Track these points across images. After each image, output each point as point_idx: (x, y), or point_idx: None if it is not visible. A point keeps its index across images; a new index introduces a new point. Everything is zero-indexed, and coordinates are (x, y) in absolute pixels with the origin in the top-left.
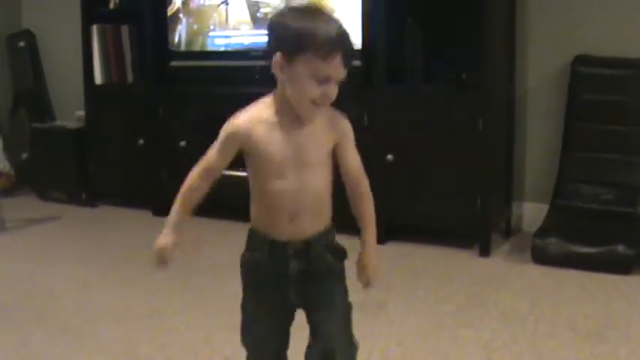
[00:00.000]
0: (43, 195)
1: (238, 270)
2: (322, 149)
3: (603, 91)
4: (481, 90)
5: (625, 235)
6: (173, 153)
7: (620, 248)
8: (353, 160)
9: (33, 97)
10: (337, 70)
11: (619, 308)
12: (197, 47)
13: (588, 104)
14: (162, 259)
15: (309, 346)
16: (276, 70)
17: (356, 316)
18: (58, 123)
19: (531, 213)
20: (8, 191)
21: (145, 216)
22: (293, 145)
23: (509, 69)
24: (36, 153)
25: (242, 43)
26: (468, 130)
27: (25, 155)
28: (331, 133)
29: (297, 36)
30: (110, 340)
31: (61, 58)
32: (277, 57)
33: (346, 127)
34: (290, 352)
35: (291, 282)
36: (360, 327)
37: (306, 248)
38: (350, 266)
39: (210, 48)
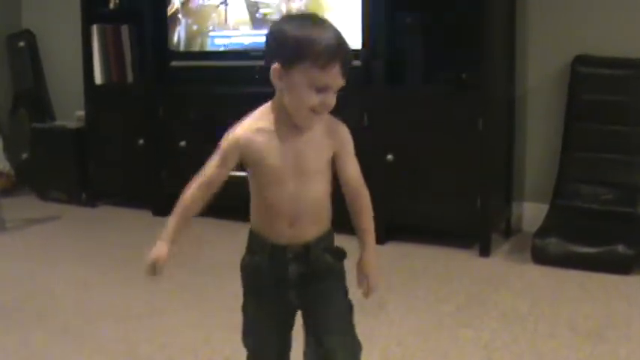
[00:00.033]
0: (43, 195)
1: (238, 270)
2: (321, 158)
3: (603, 91)
4: (481, 90)
5: (625, 235)
6: (173, 153)
7: (620, 248)
8: (353, 171)
9: (33, 97)
10: (335, 79)
11: (619, 308)
12: (197, 47)
13: (588, 104)
14: (155, 271)
15: (306, 348)
16: (274, 78)
17: (356, 316)
18: (58, 123)
19: (531, 213)
20: (8, 191)
21: (145, 216)
22: (292, 153)
23: (509, 69)
24: (36, 153)
25: (242, 43)
26: (468, 130)
27: (25, 155)
28: (330, 142)
29: (296, 45)
30: (110, 340)
31: (61, 58)
32: (275, 66)
33: (345, 136)
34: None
35: (291, 285)
36: (360, 327)
37: (306, 252)
38: (350, 269)
39: (210, 48)
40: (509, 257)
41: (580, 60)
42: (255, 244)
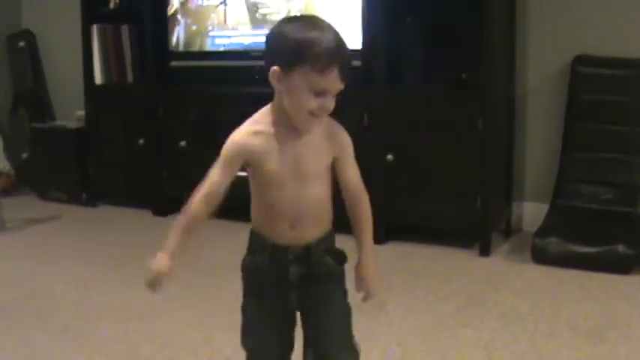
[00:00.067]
0: (43, 195)
1: (239, 270)
2: (321, 161)
3: (603, 91)
4: (481, 90)
5: (625, 234)
6: (173, 153)
7: (620, 248)
8: (352, 175)
9: (33, 97)
10: (334, 83)
11: (619, 308)
12: (196, 47)
13: (588, 104)
14: (155, 284)
15: (305, 348)
16: (273, 81)
17: (356, 316)
18: (58, 123)
19: (531, 213)
20: (8, 191)
21: (145, 216)
22: (291, 156)
23: (509, 69)
24: (36, 153)
25: (242, 43)
26: (468, 130)
27: (25, 155)
28: (330, 146)
29: (294, 48)
30: (110, 340)
31: (61, 58)
32: (275, 68)
33: (345, 140)
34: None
35: (292, 286)
36: (360, 327)
37: (307, 253)
38: (349, 271)
39: (210, 48)
40: (509, 257)
41: (580, 60)
42: (257, 244)
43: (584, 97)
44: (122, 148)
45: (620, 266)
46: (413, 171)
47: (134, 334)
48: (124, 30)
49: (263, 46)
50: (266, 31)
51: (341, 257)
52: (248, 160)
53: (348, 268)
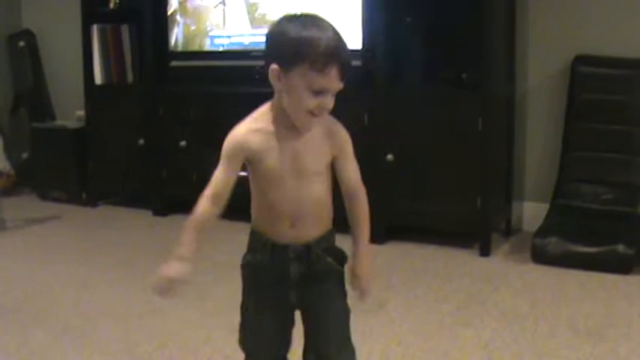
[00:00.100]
0: (43, 195)
1: (238, 269)
2: (321, 160)
3: (603, 91)
4: (481, 90)
5: (625, 234)
6: (173, 153)
7: (620, 248)
8: (351, 173)
9: (33, 97)
10: (333, 82)
11: (619, 308)
12: (196, 47)
13: (588, 104)
14: (168, 291)
15: (305, 347)
16: (272, 79)
17: (356, 316)
18: (58, 123)
19: (531, 213)
20: (8, 191)
21: (145, 216)
22: (290, 154)
23: (509, 69)
24: (36, 153)
25: (242, 43)
26: (468, 130)
27: (25, 155)
28: (329, 144)
29: (293, 47)
30: (110, 340)
31: (61, 58)
32: (274, 66)
33: (345, 138)
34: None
35: (292, 285)
36: (360, 326)
37: (307, 252)
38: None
39: (209, 48)
40: (509, 257)
41: (580, 60)
42: (257, 242)
43: (584, 96)
44: (122, 148)
45: (620, 266)
46: (413, 171)
47: (134, 334)
48: (124, 30)
49: (262, 46)
50: (265, 31)
51: (341, 257)
52: (248, 158)
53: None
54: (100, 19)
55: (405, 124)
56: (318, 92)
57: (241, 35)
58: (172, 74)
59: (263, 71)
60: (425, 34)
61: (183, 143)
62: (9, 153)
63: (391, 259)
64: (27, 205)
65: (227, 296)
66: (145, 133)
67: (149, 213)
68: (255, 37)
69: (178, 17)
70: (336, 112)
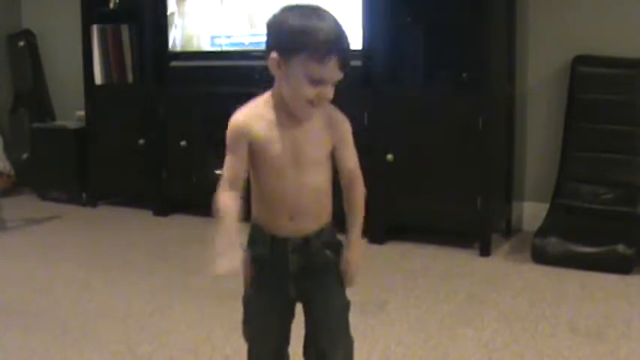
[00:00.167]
0: (43, 195)
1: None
2: (320, 148)
3: (603, 91)
4: (481, 90)
5: (625, 234)
6: (173, 153)
7: (620, 248)
8: (350, 160)
9: (33, 97)
10: (332, 72)
11: (619, 308)
12: (196, 47)
13: (588, 104)
14: (240, 273)
15: (305, 340)
16: (272, 67)
17: (356, 316)
18: (59, 123)
19: (531, 212)
20: (8, 191)
21: (145, 216)
22: (291, 143)
23: (509, 69)
24: (36, 153)
25: (242, 43)
26: (468, 130)
27: (25, 155)
28: (330, 133)
29: (293, 37)
30: (110, 340)
31: (61, 58)
32: (274, 55)
33: (345, 127)
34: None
35: (291, 277)
36: (361, 327)
37: (306, 245)
38: None
39: (209, 48)
40: (509, 257)
41: (580, 60)
42: (257, 235)
43: (584, 96)
44: (122, 148)
45: (620, 266)
46: (413, 171)
47: (134, 334)
48: (124, 30)
49: (262, 46)
50: (265, 31)
51: (340, 250)
52: (251, 144)
53: None
54: (100, 19)
55: (405, 124)
56: (318, 82)
57: (241, 35)
58: (172, 74)
59: (263, 70)
60: (425, 34)
61: (183, 143)
62: (9, 153)
63: (391, 259)
64: (27, 205)
65: (227, 296)
66: (145, 133)
67: (149, 213)
68: (255, 38)
69: (179, 17)
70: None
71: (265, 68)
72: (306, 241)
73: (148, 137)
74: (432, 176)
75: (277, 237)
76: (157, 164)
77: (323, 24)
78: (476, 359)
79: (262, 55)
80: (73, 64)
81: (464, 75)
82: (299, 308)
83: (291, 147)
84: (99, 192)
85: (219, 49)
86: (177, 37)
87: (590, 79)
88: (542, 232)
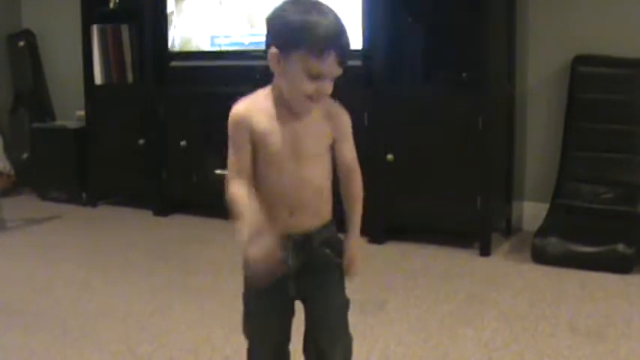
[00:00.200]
0: (44, 195)
1: (238, 269)
2: (321, 142)
3: (603, 91)
4: (481, 90)
5: (625, 234)
6: (173, 153)
7: (620, 247)
8: (348, 153)
9: (33, 97)
10: (331, 67)
11: (619, 307)
12: (196, 47)
13: (588, 103)
14: (272, 254)
15: (305, 337)
16: (271, 62)
17: (356, 315)
18: (59, 123)
19: (531, 212)
20: (8, 191)
21: (145, 216)
22: (291, 136)
23: (509, 69)
24: (36, 153)
25: (242, 43)
26: (468, 130)
27: (25, 155)
28: (329, 127)
29: (292, 32)
30: (110, 340)
31: (61, 58)
32: (273, 50)
33: (344, 120)
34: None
35: (291, 275)
36: (360, 326)
37: (306, 242)
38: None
39: (209, 48)
40: (509, 257)
41: (580, 59)
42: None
43: (584, 96)
44: (122, 148)
45: (620, 266)
46: (413, 171)
47: (134, 334)
48: (124, 30)
49: (262, 46)
50: (265, 26)
51: (340, 248)
52: (252, 135)
53: None
54: (100, 19)
55: (405, 124)
56: (316, 77)
57: (241, 35)
58: (172, 74)
59: (263, 70)
60: (425, 34)
61: (183, 143)
62: (9, 153)
63: (391, 258)
64: (27, 205)
65: (227, 296)
66: (145, 133)
67: (149, 213)
68: (254, 37)
69: (179, 17)
70: None
71: (265, 68)
72: (307, 237)
73: (147, 137)
74: (431, 176)
75: (277, 234)
76: (157, 164)
77: (322, 19)
78: (476, 359)
79: (262, 55)
80: (73, 64)
81: (464, 75)
82: (298, 305)
83: (291, 140)
84: (99, 192)
85: (218, 48)
86: (176, 37)
87: (590, 79)
88: (542, 231)
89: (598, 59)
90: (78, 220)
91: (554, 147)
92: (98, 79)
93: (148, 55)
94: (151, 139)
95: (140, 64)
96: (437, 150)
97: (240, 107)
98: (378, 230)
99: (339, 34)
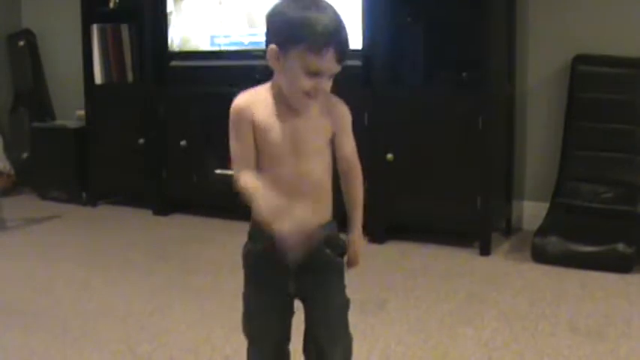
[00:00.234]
0: (43, 195)
1: (238, 269)
2: (321, 136)
3: (603, 90)
4: (481, 89)
5: (625, 233)
6: (173, 153)
7: (620, 247)
8: (348, 147)
9: (33, 96)
10: (330, 64)
11: (619, 307)
12: (196, 47)
13: (588, 103)
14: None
15: (305, 336)
16: (270, 59)
17: (356, 315)
18: (59, 122)
19: (531, 212)
20: (8, 191)
21: (145, 216)
22: (291, 131)
23: (509, 68)
24: (36, 153)
25: (241, 43)
26: (468, 130)
27: (25, 155)
28: (328, 122)
29: (291, 28)
30: (110, 339)
31: (61, 58)
32: (272, 47)
33: (343, 113)
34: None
35: (291, 274)
36: (361, 325)
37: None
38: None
39: (209, 48)
40: (509, 256)
41: (580, 59)
42: (256, 232)
43: (584, 95)
44: (122, 147)
45: (620, 265)
46: (413, 171)
47: (134, 334)
48: (124, 29)
49: (262, 46)
50: (264, 23)
51: (340, 248)
52: (252, 127)
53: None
54: (100, 18)
55: (405, 124)
56: (315, 74)
57: (240, 35)
58: (172, 74)
59: (263, 70)
60: (425, 34)
61: (183, 143)
62: (9, 153)
63: (391, 259)
64: (27, 204)
65: (227, 296)
66: (145, 132)
67: (149, 213)
68: (254, 37)
69: (179, 16)
70: None
71: (265, 67)
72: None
73: (147, 137)
74: (432, 176)
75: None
76: (157, 164)
77: (321, 15)
78: (476, 358)
79: (262, 55)
80: (73, 63)
81: (464, 74)
82: (298, 304)
83: (291, 135)
84: (99, 191)
85: (218, 48)
86: (176, 37)
87: (590, 79)
88: (542, 231)
89: (598, 59)
90: (78, 219)
91: (554, 146)
92: (98, 78)
93: (148, 55)
94: (151, 138)
95: (140, 63)
96: (437, 150)
97: (242, 99)
98: (378, 230)
99: (338, 30)
